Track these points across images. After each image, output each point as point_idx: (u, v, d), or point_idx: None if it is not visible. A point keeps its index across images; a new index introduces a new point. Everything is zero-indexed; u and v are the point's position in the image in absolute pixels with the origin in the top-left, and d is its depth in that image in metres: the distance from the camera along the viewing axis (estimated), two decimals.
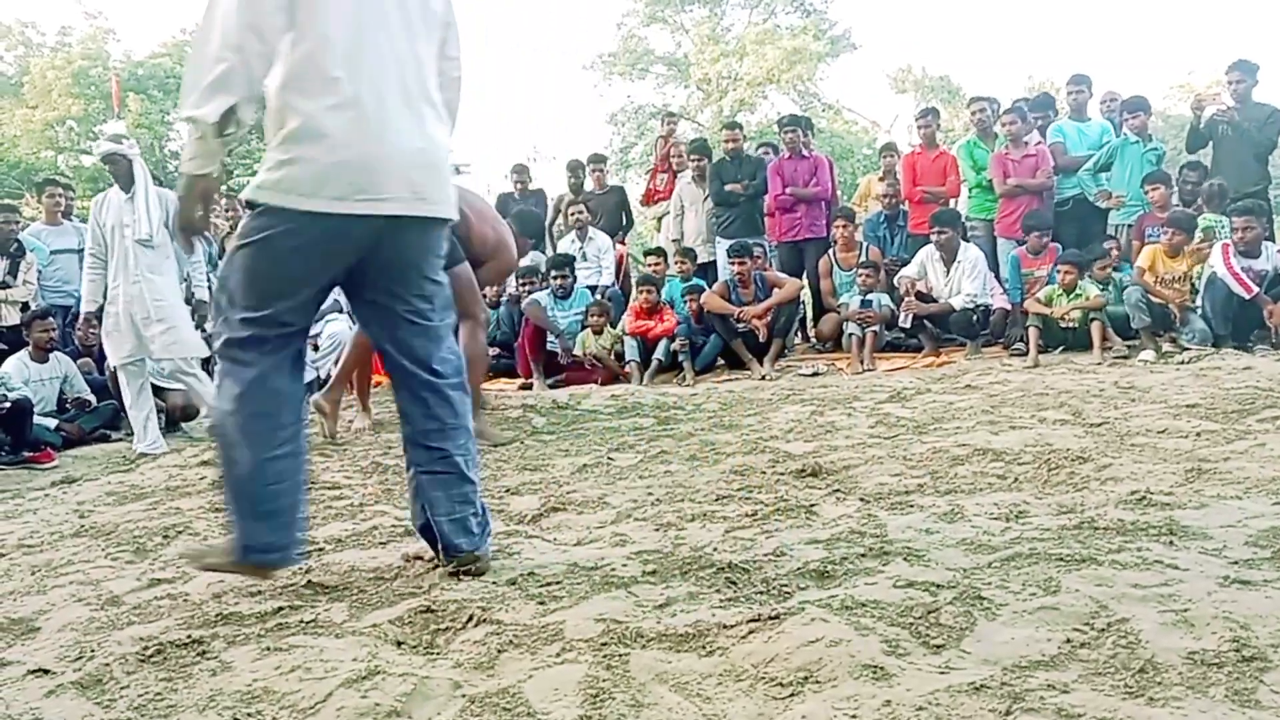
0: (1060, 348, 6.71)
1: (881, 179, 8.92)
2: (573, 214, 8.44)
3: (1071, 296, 6.71)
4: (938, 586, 2.11)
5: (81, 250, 7.89)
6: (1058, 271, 6.81)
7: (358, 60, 2.24)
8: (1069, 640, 1.79)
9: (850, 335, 7.19)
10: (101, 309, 5.55)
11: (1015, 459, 3.41)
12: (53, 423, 5.81)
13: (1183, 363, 5.75)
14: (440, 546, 2.44)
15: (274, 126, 2.24)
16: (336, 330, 7.49)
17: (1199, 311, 6.42)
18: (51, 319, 6.39)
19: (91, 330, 6.10)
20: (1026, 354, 6.55)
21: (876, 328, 7.09)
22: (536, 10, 56.74)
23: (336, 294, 7.11)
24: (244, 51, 2.11)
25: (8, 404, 5.34)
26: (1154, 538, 2.37)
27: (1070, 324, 6.68)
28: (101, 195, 5.61)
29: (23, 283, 7.13)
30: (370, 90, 2.25)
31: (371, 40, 2.27)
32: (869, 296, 7.27)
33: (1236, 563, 2.15)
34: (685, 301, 7.53)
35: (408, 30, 2.35)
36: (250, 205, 2.28)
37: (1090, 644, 1.77)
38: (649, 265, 8.14)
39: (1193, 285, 6.59)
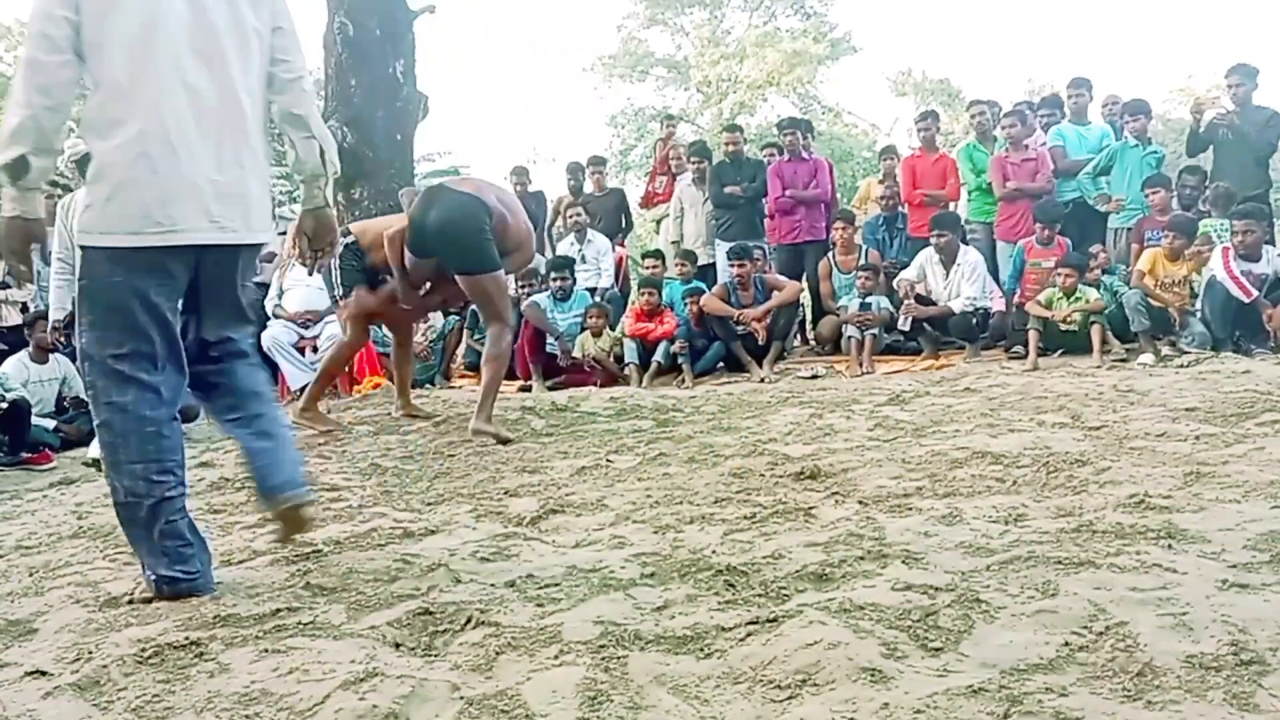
0: (1059, 351, 6.71)
1: (881, 182, 8.93)
2: (572, 216, 8.46)
3: (1071, 300, 6.72)
4: (936, 589, 2.10)
5: None
6: (1059, 274, 6.81)
7: (142, 98, 2.32)
8: (1067, 643, 1.79)
9: (849, 338, 7.19)
10: (72, 315, 5.42)
11: (1014, 462, 3.41)
12: (51, 424, 5.82)
13: (1182, 366, 5.75)
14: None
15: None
16: (336, 332, 7.49)
17: (1198, 315, 6.42)
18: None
19: (59, 339, 5.88)
20: (1025, 357, 6.56)
21: (875, 330, 7.09)
22: (537, 12, 56.80)
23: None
24: (32, 107, 2.23)
25: (5, 404, 5.34)
26: (1152, 541, 2.37)
27: (1070, 327, 6.68)
28: (69, 197, 5.29)
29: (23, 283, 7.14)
30: (157, 126, 2.33)
31: (157, 76, 2.34)
32: (867, 299, 7.28)
33: (1235, 566, 2.15)
34: (686, 304, 7.53)
35: (207, 60, 2.40)
36: (82, 249, 2.39)
37: (1089, 647, 1.77)
38: (647, 268, 8.14)
39: (1192, 289, 6.59)
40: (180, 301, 2.50)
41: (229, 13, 2.43)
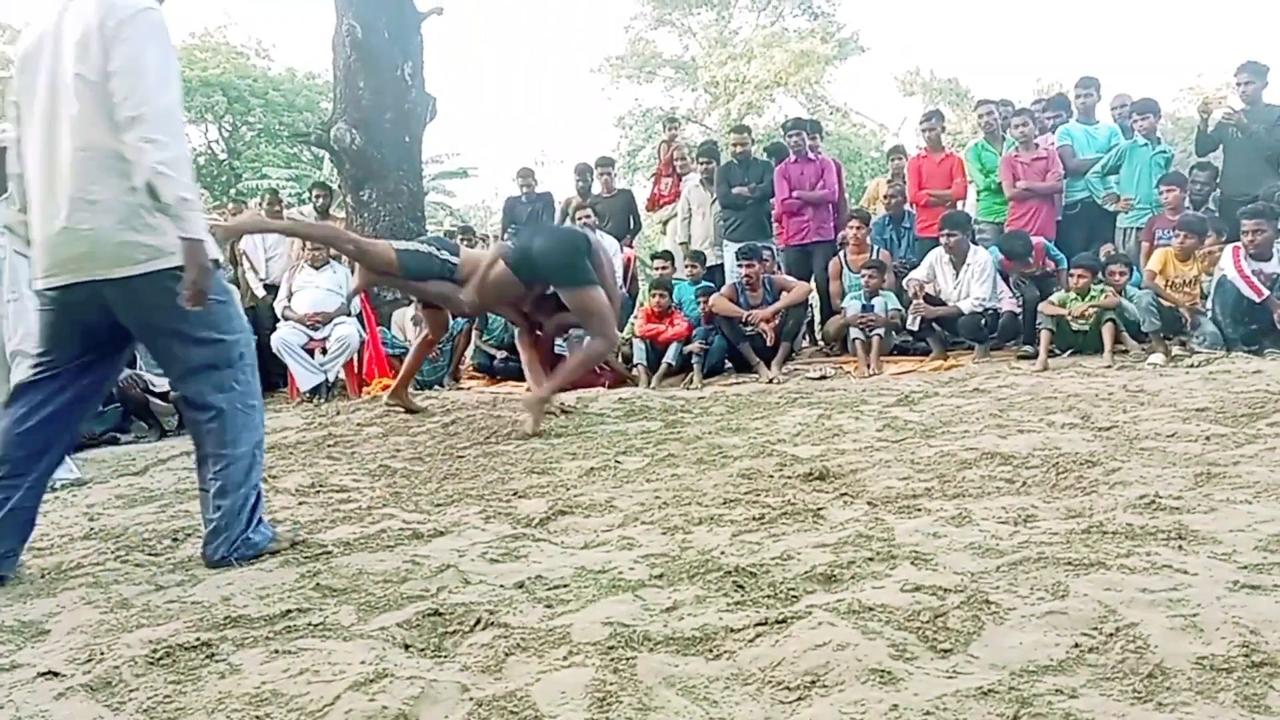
0: (1070, 351, 6.69)
1: (889, 182, 8.91)
2: (581, 218, 8.46)
3: (1084, 299, 6.70)
4: (945, 590, 2.10)
5: None
6: (1073, 275, 6.78)
7: (23, 164, 2.81)
8: (1077, 645, 1.78)
9: (854, 340, 7.18)
10: None
11: (1023, 463, 3.40)
12: None
13: (1192, 366, 5.73)
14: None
15: None
16: (345, 334, 7.52)
17: (1209, 315, 6.39)
18: None
19: None
20: (1034, 357, 6.53)
21: (880, 331, 7.07)
22: (544, 14, 56.89)
23: (342, 296, 7.16)
24: None
25: None
26: (1163, 542, 2.37)
27: (1082, 326, 6.67)
28: None
29: None
30: (28, 188, 2.79)
31: (29, 143, 2.75)
32: (871, 300, 7.25)
33: (1246, 567, 2.14)
34: (698, 303, 7.52)
35: (51, 122, 2.68)
36: None
37: (1099, 649, 1.77)
38: (656, 268, 8.14)
39: (1202, 289, 6.56)
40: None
41: (55, 71, 2.66)
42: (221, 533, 2.78)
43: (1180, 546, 2.33)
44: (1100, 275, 6.78)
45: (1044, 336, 6.57)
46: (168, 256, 2.65)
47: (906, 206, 8.33)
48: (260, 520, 2.88)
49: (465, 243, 8.96)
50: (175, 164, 2.59)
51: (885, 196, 8.64)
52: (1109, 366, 6.08)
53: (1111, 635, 1.81)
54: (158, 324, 2.76)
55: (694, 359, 7.12)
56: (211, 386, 2.79)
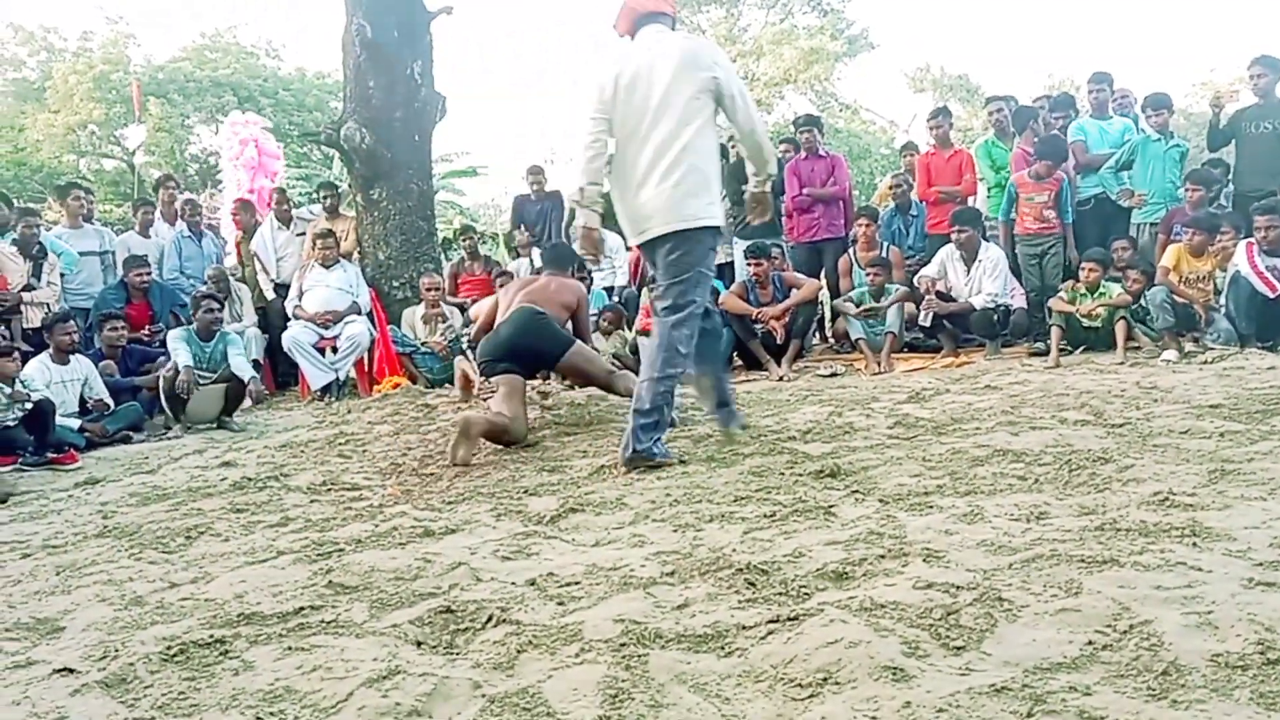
0: (1082, 348, 6.66)
1: (895, 175, 8.89)
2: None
3: (1095, 295, 6.67)
4: (958, 588, 2.09)
5: (102, 253, 8.02)
6: (1083, 268, 6.75)
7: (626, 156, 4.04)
8: (1091, 642, 1.77)
9: (858, 339, 7.17)
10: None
11: (1036, 460, 3.39)
12: (76, 424, 5.87)
13: (1206, 363, 5.70)
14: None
15: None
16: (355, 332, 7.55)
17: (1222, 311, 6.35)
18: (73, 321, 6.45)
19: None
20: (1046, 354, 6.51)
21: (894, 328, 7.04)
22: (553, 11, 56.88)
23: (356, 297, 7.30)
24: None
25: (29, 405, 5.40)
26: (1177, 539, 2.35)
27: (1093, 323, 6.63)
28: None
29: (47, 284, 7.22)
30: (628, 172, 3.99)
31: (632, 142, 3.98)
32: (878, 299, 7.24)
33: (1261, 564, 2.13)
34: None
35: (654, 127, 3.95)
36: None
37: (1113, 646, 1.76)
38: None
39: (1216, 285, 6.52)
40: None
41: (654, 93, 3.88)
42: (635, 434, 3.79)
43: (1195, 543, 2.31)
44: (1111, 270, 6.75)
45: (1055, 333, 6.54)
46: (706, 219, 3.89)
47: (911, 195, 8.30)
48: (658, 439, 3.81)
49: (466, 245, 8.98)
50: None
51: (891, 187, 8.62)
52: (1121, 363, 6.05)
53: (1126, 632, 1.80)
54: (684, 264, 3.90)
55: None
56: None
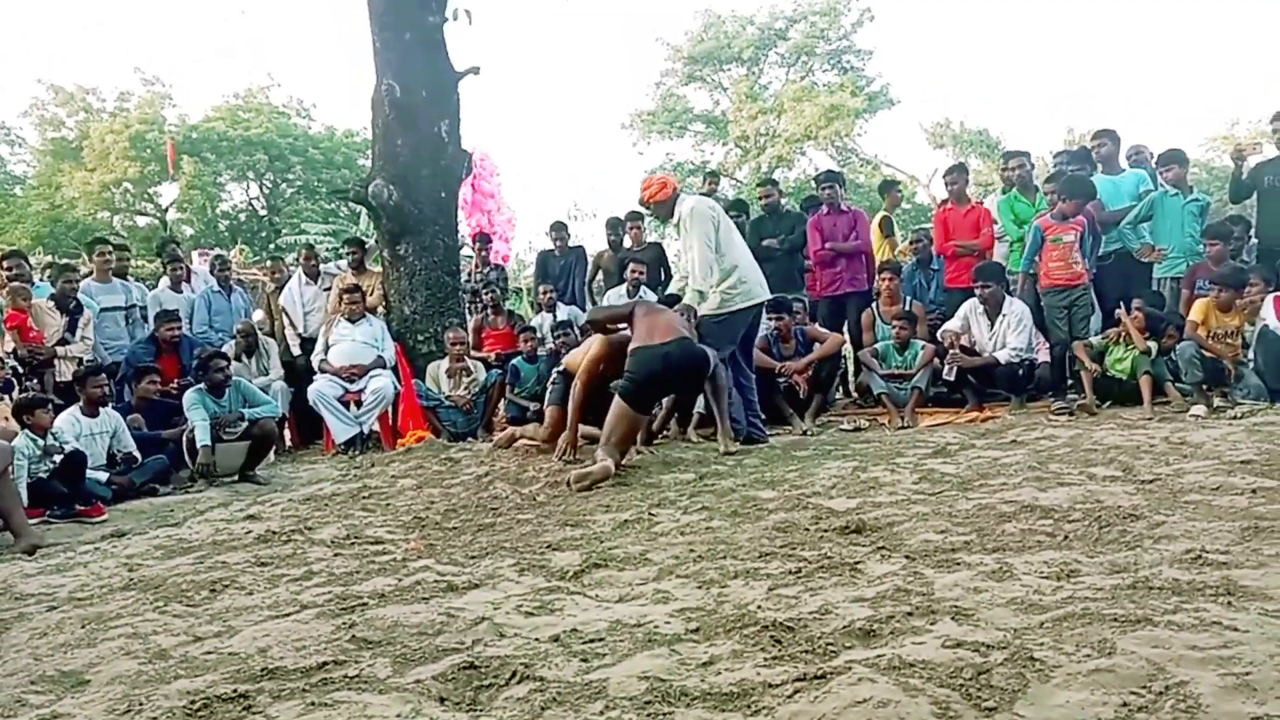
0: (1108, 403, 6.60)
1: (885, 210, 8.96)
2: (633, 271, 8.46)
3: (1126, 349, 6.65)
4: (988, 647, 2.06)
5: (128, 308, 8.14)
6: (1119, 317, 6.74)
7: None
8: (1126, 704, 1.74)
9: (880, 393, 7.15)
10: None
11: (1065, 516, 3.34)
12: (104, 476, 5.92)
13: (1235, 418, 5.63)
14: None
15: None
16: (380, 386, 7.60)
17: (1251, 365, 6.29)
18: (104, 375, 6.54)
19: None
20: (1070, 412, 6.44)
21: (921, 383, 7.02)
22: (576, 71, 57.94)
23: (381, 351, 7.40)
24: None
25: (62, 455, 5.46)
26: (1211, 598, 2.31)
27: (1119, 373, 6.60)
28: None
29: (81, 339, 7.34)
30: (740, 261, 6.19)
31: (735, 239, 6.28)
32: (902, 353, 7.24)
33: None
34: None
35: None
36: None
37: (1148, 707, 1.72)
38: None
39: (1244, 340, 6.47)
40: None
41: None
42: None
43: (1229, 602, 2.27)
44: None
45: (1086, 378, 6.53)
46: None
47: (931, 249, 8.34)
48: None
49: (491, 302, 9.04)
50: None
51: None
52: (1149, 418, 5.99)
53: (1161, 694, 1.76)
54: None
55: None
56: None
